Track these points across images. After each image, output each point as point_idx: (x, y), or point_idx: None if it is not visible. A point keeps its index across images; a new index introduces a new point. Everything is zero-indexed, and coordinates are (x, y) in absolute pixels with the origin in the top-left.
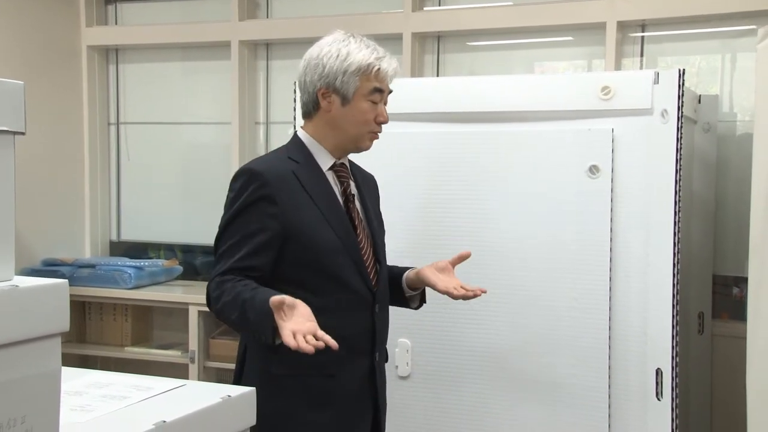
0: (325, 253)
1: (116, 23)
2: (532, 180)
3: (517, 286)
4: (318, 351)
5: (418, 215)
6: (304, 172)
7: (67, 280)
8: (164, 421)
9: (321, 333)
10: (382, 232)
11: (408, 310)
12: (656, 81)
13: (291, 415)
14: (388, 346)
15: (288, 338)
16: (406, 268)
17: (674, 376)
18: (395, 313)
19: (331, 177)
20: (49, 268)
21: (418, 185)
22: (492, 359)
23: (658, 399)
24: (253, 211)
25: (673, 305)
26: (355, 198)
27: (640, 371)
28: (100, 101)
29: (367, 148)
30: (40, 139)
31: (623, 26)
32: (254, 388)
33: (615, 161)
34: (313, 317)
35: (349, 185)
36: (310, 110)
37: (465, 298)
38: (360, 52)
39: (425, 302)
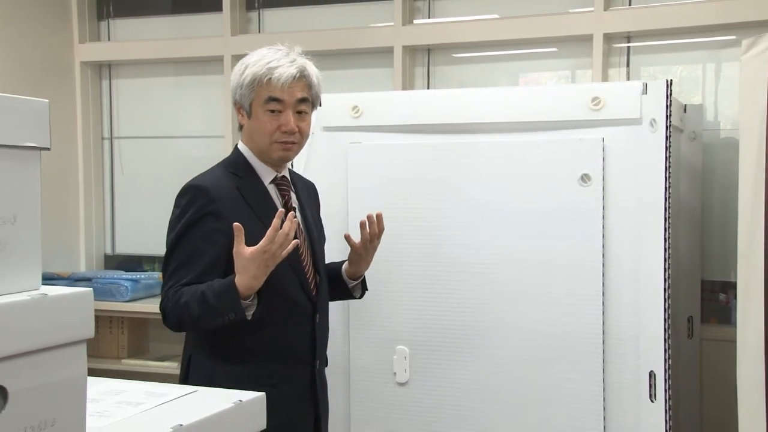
0: None
1: (109, 39)
2: (526, 188)
3: (512, 293)
4: (261, 362)
5: (409, 224)
6: (247, 187)
7: (91, 290)
8: (181, 425)
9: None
10: (322, 240)
11: (406, 316)
12: (645, 91)
13: None
14: (385, 353)
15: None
16: (342, 263)
17: (667, 378)
18: (394, 319)
19: (272, 190)
20: (45, 282)
21: (409, 196)
22: (489, 365)
23: (652, 401)
24: (201, 227)
25: (665, 309)
26: (296, 210)
27: (633, 374)
28: (93, 116)
29: (281, 159)
30: None
31: (609, 38)
32: (264, 393)
33: (606, 170)
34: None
35: (290, 198)
36: (239, 126)
37: (371, 235)
38: (256, 64)
39: (367, 289)
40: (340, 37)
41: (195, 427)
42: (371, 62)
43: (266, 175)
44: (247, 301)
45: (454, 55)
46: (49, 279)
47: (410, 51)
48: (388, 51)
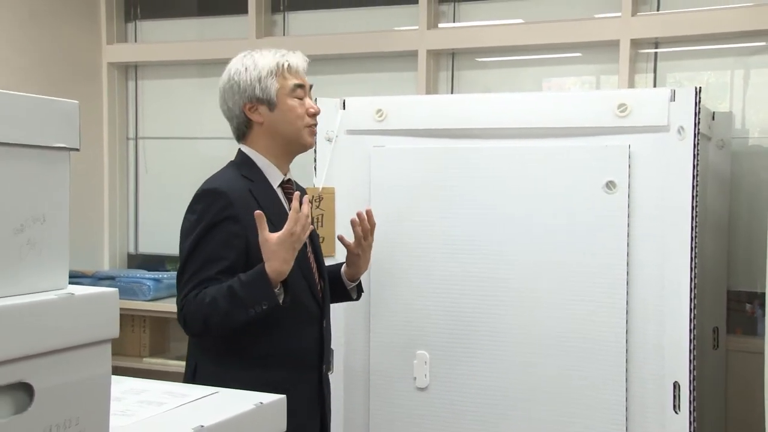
0: None
1: (136, 41)
2: (550, 195)
3: (534, 299)
4: (270, 368)
5: (431, 228)
6: (259, 191)
7: (117, 290)
8: (202, 426)
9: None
10: (319, 245)
11: (427, 321)
12: (672, 99)
13: None
14: (405, 358)
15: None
16: (339, 265)
17: (692, 389)
18: (415, 324)
19: (280, 194)
20: (70, 280)
21: (431, 200)
22: (509, 372)
23: (676, 412)
24: (219, 231)
25: (690, 319)
26: None
27: (657, 384)
28: (119, 116)
29: (310, 144)
30: None
31: (636, 44)
32: (285, 396)
33: (632, 177)
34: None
35: None
36: (244, 130)
37: (364, 232)
38: (264, 58)
39: (363, 291)
40: (364, 41)
41: (216, 429)
42: (395, 66)
43: (275, 178)
44: (276, 290)
45: (477, 59)
46: (72, 277)
47: (434, 55)
48: (413, 55)
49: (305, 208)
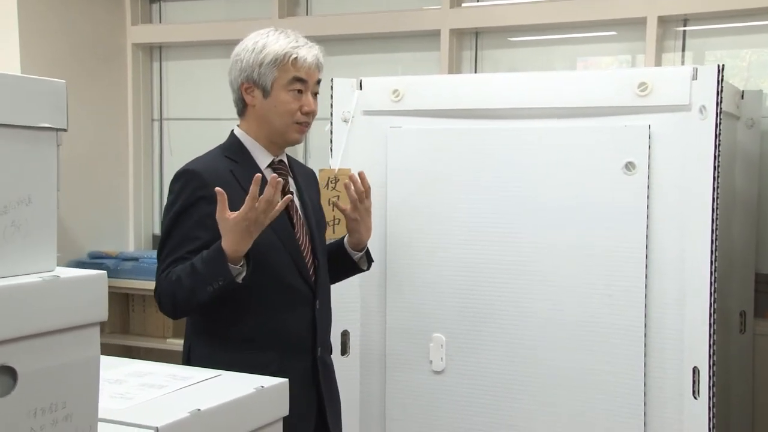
0: (264, 251)
1: (160, 21)
2: (568, 176)
3: (552, 282)
4: (259, 350)
5: (448, 210)
6: (242, 171)
7: (105, 272)
8: (199, 410)
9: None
10: (322, 227)
11: (442, 304)
12: (695, 77)
13: None
14: (421, 341)
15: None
16: (342, 238)
17: (711, 374)
18: (430, 306)
19: (269, 175)
20: (95, 261)
21: (448, 182)
22: (526, 356)
23: (695, 398)
24: (194, 212)
25: (710, 303)
26: (294, 195)
27: (676, 370)
28: (144, 98)
29: (296, 141)
30: (86, 134)
31: (665, 21)
32: (287, 380)
33: (652, 158)
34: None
35: (287, 182)
36: (241, 108)
37: (359, 195)
38: (276, 43)
39: (372, 261)
40: (386, 20)
41: (213, 412)
42: (418, 46)
43: (263, 159)
44: (237, 267)
45: (508, 38)
46: (96, 258)
47: (457, 34)
48: (435, 34)
49: (268, 192)
